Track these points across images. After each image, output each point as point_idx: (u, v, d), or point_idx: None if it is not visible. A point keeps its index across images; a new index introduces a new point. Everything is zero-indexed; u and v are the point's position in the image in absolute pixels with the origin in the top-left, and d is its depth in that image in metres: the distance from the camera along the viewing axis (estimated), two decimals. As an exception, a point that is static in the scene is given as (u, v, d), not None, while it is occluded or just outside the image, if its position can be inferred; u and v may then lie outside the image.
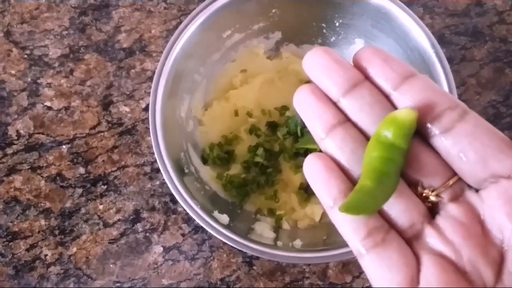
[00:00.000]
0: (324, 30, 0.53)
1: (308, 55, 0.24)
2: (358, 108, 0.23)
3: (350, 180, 0.23)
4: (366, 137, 0.23)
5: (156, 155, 0.42)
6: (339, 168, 0.23)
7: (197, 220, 0.40)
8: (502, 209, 0.21)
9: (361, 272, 0.50)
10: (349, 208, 0.21)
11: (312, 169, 0.23)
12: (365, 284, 0.50)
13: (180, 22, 0.60)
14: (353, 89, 0.23)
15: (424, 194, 0.23)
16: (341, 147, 0.23)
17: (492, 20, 0.62)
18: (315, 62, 0.24)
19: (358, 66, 0.24)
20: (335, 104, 0.24)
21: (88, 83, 0.57)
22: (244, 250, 0.39)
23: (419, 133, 0.23)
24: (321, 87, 0.24)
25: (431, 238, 0.22)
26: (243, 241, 0.39)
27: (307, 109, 0.24)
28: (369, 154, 0.22)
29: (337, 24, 0.52)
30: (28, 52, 0.58)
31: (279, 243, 0.44)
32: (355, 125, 0.23)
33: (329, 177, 0.23)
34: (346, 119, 0.23)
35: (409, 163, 0.23)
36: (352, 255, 0.40)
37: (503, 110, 0.57)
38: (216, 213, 0.43)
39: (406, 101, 0.22)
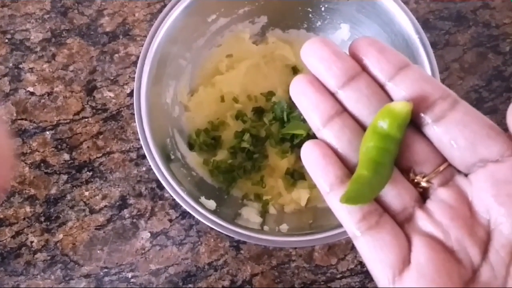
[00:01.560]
0: (310, 15, 0.53)
1: (306, 45, 0.24)
2: (355, 100, 0.24)
3: (347, 167, 0.24)
4: (363, 128, 0.24)
5: (141, 142, 0.42)
6: (336, 156, 0.24)
7: (184, 206, 0.40)
8: (489, 191, 0.22)
9: (346, 254, 0.51)
10: (349, 199, 0.22)
11: (310, 156, 0.24)
12: (349, 266, 0.51)
13: (165, 5, 0.59)
14: (350, 81, 0.23)
15: (415, 180, 0.24)
16: (339, 137, 0.24)
17: (476, 5, 0.62)
18: (313, 53, 0.24)
19: (354, 56, 0.24)
20: (332, 95, 0.24)
21: (71, 68, 0.56)
22: (231, 235, 0.40)
23: (412, 122, 0.23)
24: (319, 78, 0.24)
25: (421, 220, 0.23)
26: (230, 226, 0.40)
27: (305, 99, 0.24)
28: (365, 144, 0.23)
29: (322, 9, 0.51)
30: (9, 36, 0.57)
31: (266, 227, 0.44)
32: (351, 115, 0.24)
33: (326, 163, 0.23)
34: (343, 110, 0.24)
35: (402, 151, 0.24)
36: (336, 238, 0.41)
37: (485, 95, 0.58)
38: (203, 199, 0.43)
39: (400, 91, 0.23)
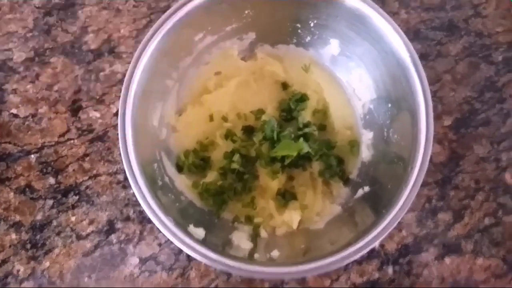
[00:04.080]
0: (299, 30, 0.52)
1: None
2: None
3: None
4: None
5: (127, 172, 0.41)
6: None
7: (171, 239, 0.39)
8: None
9: (339, 276, 0.50)
10: None
11: None
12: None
13: (150, 21, 0.57)
14: None
15: None
16: None
17: (467, 14, 0.61)
18: None
19: None
20: None
21: (55, 88, 0.54)
22: (220, 268, 0.39)
23: None
24: None
25: None
26: (219, 258, 0.39)
27: None
28: None
29: (311, 25, 0.50)
30: (-11, 56, 0.55)
31: (256, 255, 0.43)
32: None
33: None
34: None
35: None
36: (328, 269, 0.40)
37: (478, 107, 0.57)
38: (191, 227, 0.42)
39: None
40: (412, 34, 0.59)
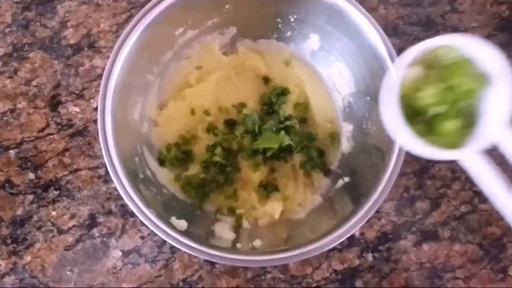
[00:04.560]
0: (280, 25, 0.52)
1: None
2: None
3: None
4: None
5: (107, 165, 0.41)
6: None
7: (154, 230, 0.39)
8: None
9: (320, 263, 0.51)
10: None
11: None
12: (324, 275, 0.51)
13: (131, 15, 0.57)
14: None
15: None
16: None
17: (444, 9, 0.63)
18: None
19: None
20: None
21: (34, 83, 0.54)
22: (203, 257, 0.39)
23: None
24: None
25: None
26: (202, 247, 0.39)
27: None
28: None
29: (292, 20, 0.51)
30: (-34, 51, 0.54)
31: (239, 245, 0.44)
32: None
33: None
34: None
35: None
36: (310, 254, 0.41)
37: (453, 100, 0.59)
38: (173, 219, 0.43)
39: None
40: (391, 29, 0.60)
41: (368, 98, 0.50)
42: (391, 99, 0.30)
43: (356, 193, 0.45)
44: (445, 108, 0.31)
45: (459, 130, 0.30)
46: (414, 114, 0.32)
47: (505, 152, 0.26)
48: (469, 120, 0.31)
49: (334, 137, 0.53)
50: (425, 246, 0.52)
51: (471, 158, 0.26)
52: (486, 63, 0.29)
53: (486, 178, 0.26)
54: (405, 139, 0.31)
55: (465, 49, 0.30)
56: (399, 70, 0.31)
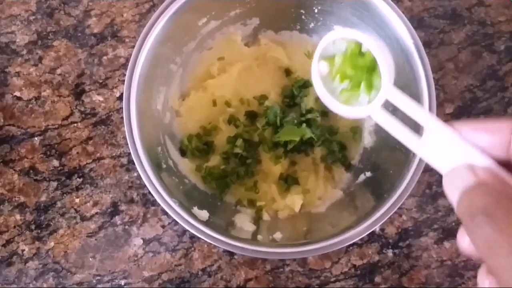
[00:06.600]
0: (303, 17, 0.52)
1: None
2: None
3: None
4: None
5: (132, 154, 0.41)
6: None
7: (176, 219, 0.40)
8: None
9: (339, 258, 0.51)
10: None
11: None
12: (343, 269, 0.51)
13: (154, 5, 0.57)
14: None
15: None
16: None
17: (471, 2, 0.61)
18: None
19: None
20: None
21: (58, 71, 0.55)
22: (224, 247, 0.40)
23: None
24: None
25: None
26: (223, 238, 0.39)
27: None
28: None
29: (316, 11, 0.50)
30: (-7, 38, 0.55)
31: (259, 237, 0.44)
32: None
33: None
34: None
35: None
36: (329, 249, 0.41)
37: (479, 95, 0.58)
38: (195, 209, 0.43)
39: None
40: (416, 22, 0.59)
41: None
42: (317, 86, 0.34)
43: (378, 189, 0.45)
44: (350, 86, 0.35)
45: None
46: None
47: (395, 104, 0.31)
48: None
49: (356, 131, 0.52)
50: (447, 244, 0.51)
51: (379, 113, 0.32)
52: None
53: (396, 127, 0.31)
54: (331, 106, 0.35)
55: (353, 38, 0.33)
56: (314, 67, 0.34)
